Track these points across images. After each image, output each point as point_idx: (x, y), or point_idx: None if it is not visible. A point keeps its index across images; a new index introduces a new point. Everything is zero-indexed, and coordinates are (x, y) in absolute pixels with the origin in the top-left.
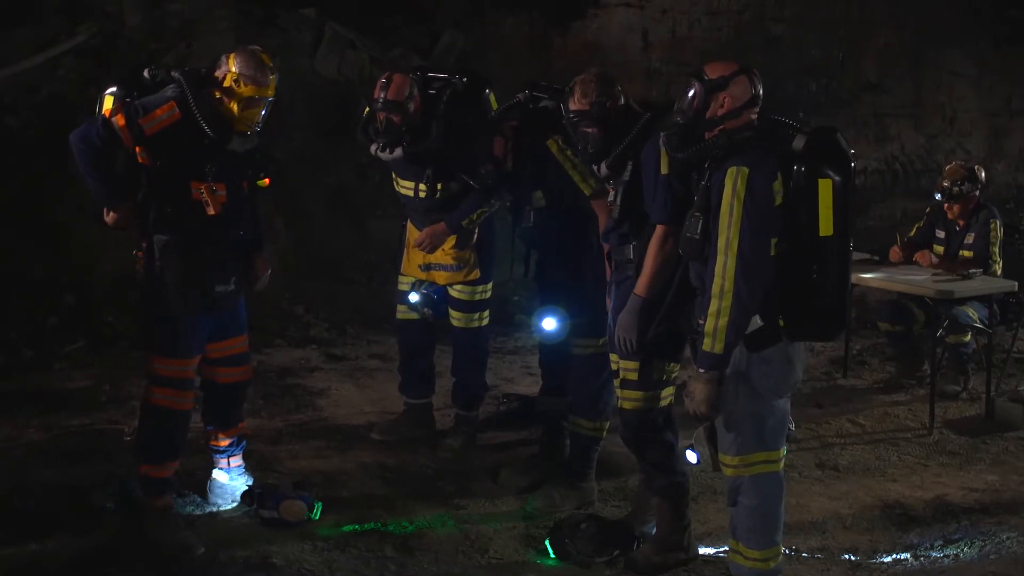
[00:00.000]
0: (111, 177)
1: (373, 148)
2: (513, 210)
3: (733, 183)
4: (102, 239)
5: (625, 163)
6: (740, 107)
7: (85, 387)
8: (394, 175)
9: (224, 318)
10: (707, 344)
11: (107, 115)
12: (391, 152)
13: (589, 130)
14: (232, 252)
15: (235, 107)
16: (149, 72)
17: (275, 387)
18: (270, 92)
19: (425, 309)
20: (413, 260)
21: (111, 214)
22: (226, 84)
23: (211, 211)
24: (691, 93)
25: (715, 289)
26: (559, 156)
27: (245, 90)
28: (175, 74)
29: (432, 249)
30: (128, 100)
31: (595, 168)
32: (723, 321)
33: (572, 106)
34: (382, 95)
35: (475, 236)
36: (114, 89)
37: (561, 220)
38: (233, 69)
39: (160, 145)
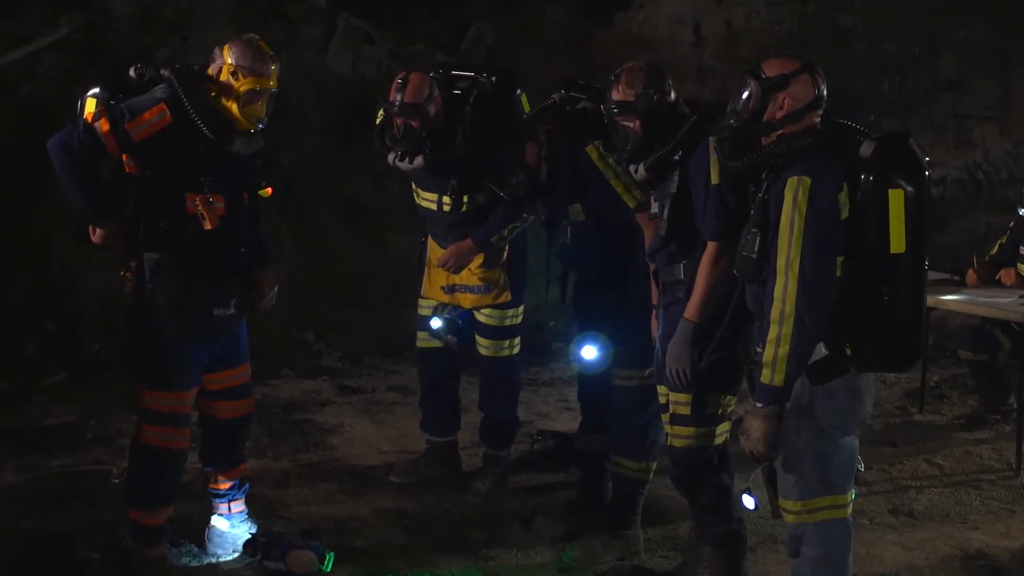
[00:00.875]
0: (95, 189)
1: (391, 157)
2: (548, 225)
3: (794, 195)
4: (86, 257)
5: (666, 168)
6: (801, 109)
7: (68, 424)
8: (414, 186)
9: (224, 345)
10: (766, 376)
11: (89, 119)
12: (411, 162)
13: (630, 125)
14: (232, 271)
15: (234, 104)
16: (135, 71)
17: (281, 423)
18: (272, 83)
19: (449, 336)
20: (435, 281)
21: (96, 230)
22: (222, 78)
23: (208, 225)
24: (746, 93)
25: (774, 314)
26: (599, 163)
27: (244, 83)
28: (165, 72)
29: (457, 269)
30: (113, 103)
31: (632, 170)
32: (783, 350)
33: (614, 96)
34: (398, 97)
35: (505, 254)
36: (97, 90)
37: (602, 236)
38: (229, 61)
39: (150, 152)
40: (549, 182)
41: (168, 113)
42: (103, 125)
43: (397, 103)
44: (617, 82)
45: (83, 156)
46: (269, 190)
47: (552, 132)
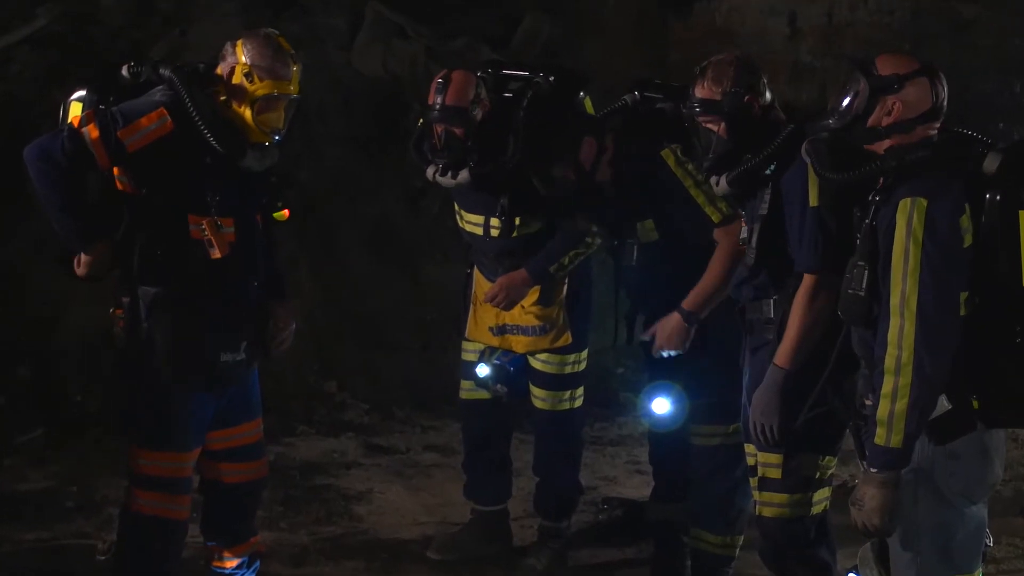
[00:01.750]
0: (81, 208)
1: (430, 171)
2: (615, 252)
3: (907, 219)
4: (68, 290)
5: (753, 183)
6: (913, 119)
7: (45, 489)
8: (457, 207)
9: (232, 397)
10: (880, 436)
11: (75, 124)
12: (453, 176)
13: (713, 128)
14: (243, 308)
15: (247, 111)
16: (129, 69)
17: (299, 489)
18: (293, 88)
19: (498, 386)
20: (482, 321)
21: (81, 258)
22: (235, 81)
23: (216, 253)
24: (851, 89)
25: (889, 363)
26: (677, 170)
27: (260, 86)
28: (164, 71)
29: (508, 305)
30: (102, 107)
31: (713, 182)
32: (901, 405)
33: (698, 92)
34: (439, 100)
35: (565, 288)
36: (83, 93)
37: (677, 261)
38: (243, 60)
39: (146, 166)
40: (615, 191)
41: (168, 119)
42: (91, 131)
43: (437, 106)
44: (702, 76)
45: (67, 168)
46: (286, 212)
47: (622, 136)
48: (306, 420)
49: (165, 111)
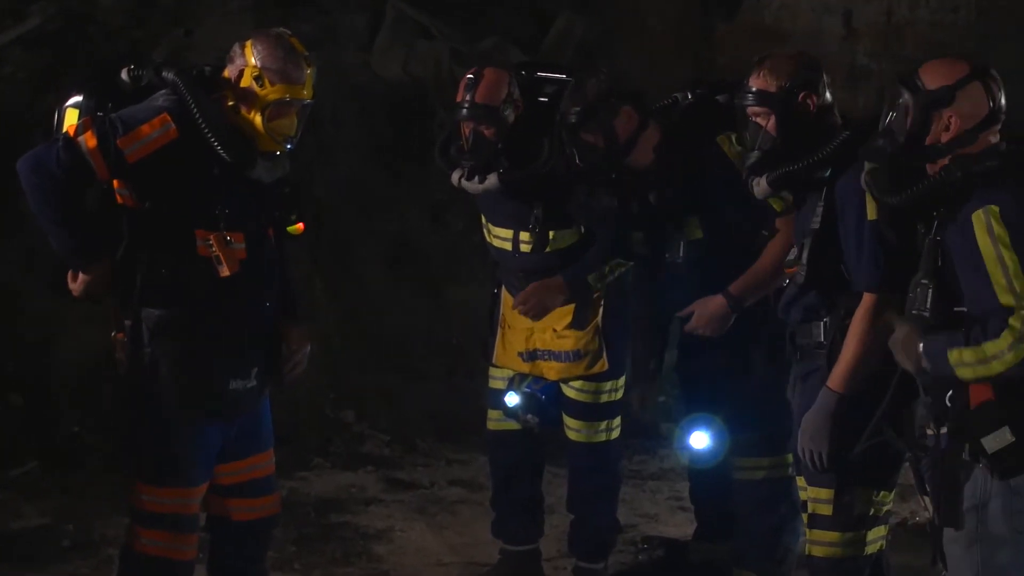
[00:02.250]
0: (79, 223)
1: (455, 176)
2: (655, 262)
3: (987, 228)
4: (63, 311)
5: (796, 188)
6: (973, 128)
7: (39, 527)
8: (484, 220)
9: (242, 427)
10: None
11: (71, 133)
12: (481, 181)
13: (763, 122)
14: (254, 331)
15: (257, 117)
16: (130, 72)
17: (314, 527)
18: (307, 92)
19: (529, 416)
20: (511, 345)
21: (79, 277)
22: (243, 84)
23: (225, 271)
24: (900, 108)
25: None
26: (732, 154)
27: (271, 91)
28: (168, 75)
29: (539, 314)
30: (100, 113)
31: (753, 183)
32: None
33: (752, 82)
34: (468, 97)
35: (600, 309)
36: (79, 98)
37: (726, 263)
38: (252, 62)
39: (149, 177)
40: (659, 181)
41: (172, 126)
42: (89, 140)
43: (466, 104)
44: (760, 67)
45: (64, 180)
46: (301, 226)
47: (672, 126)
48: (321, 452)
49: (168, 117)
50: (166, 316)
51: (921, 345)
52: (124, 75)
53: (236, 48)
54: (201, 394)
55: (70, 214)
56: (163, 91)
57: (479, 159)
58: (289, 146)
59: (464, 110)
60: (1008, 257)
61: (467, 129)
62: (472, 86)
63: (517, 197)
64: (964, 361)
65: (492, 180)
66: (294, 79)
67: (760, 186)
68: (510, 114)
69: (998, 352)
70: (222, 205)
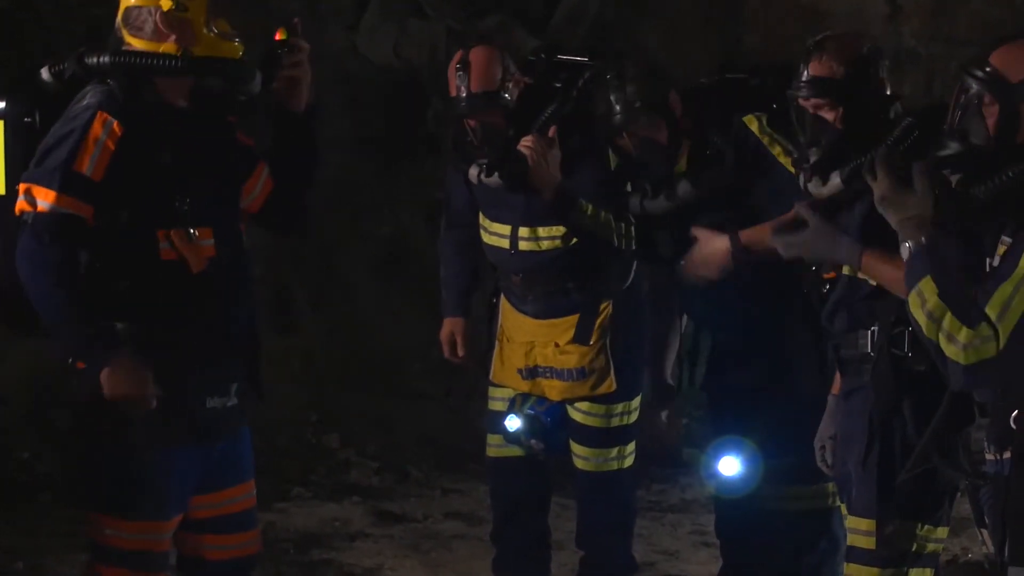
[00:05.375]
0: (85, 305)
1: (473, 172)
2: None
3: None
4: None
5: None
6: None
7: None
8: (482, 217)
9: (221, 454)
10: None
11: (28, 208)
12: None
13: (827, 115)
14: (231, 340)
15: (203, 31)
16: (51, 71)
17: (295, 565)
18: None
19: (532, 441)
20: (509, 361)
21: (107, 376)
22: (167, 19)
23: (193, 269)
24: (974, 103)
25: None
26: (763, 137)
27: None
28: (90, 60)
29: (534, 160)
30: (28, 120)
31: (818, 183)
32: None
33: (813, 69)
34: (462, 89)
35: (606, 321)
36: (1, 104)
37: (758, 270)
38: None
39: (113, 187)
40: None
41: (114, 121)
42: (46, 197)
43: (464, 98)
44: (819, 50)
45: (59, 253)
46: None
47: (698, 115)
48: (303, 482)
49: (106, 114)
50: (128, 329)
51: (911, 244)
52: (44, 75)
53: (132, 11)
54: (173, 415)
55: (76, 294)
56: (92, 85)
57: (494, 152)
58: (238, 40)
59: (463, 104)
60: None
61: (472, 124)
62: (464, 76)
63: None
64: (929, 304)
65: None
66: None
67: (831, 183)
68: (512, 91)
69: (965, 339)
70: (182, 197)
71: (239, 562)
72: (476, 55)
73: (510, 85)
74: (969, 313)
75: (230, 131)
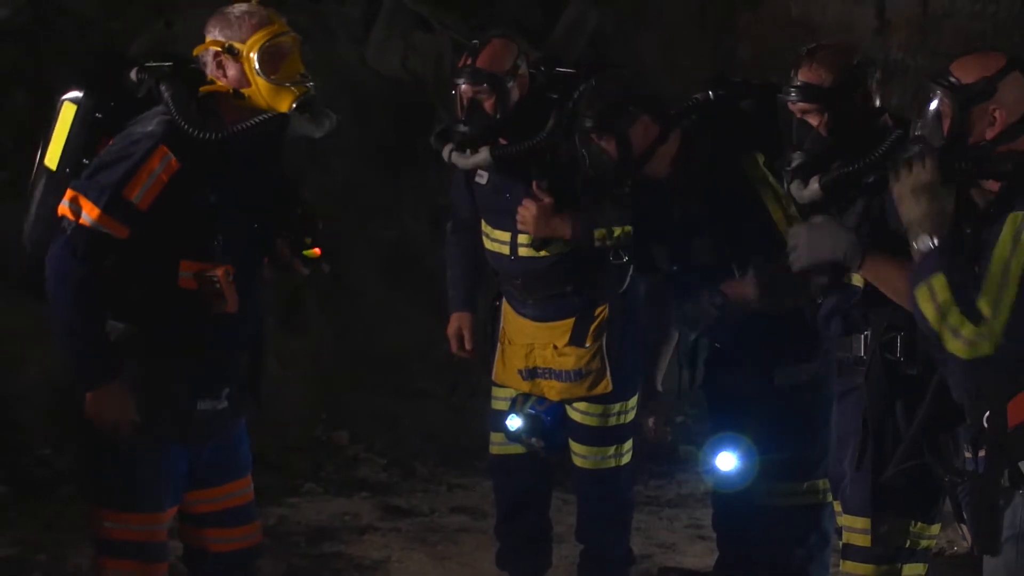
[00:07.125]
0: (102, 329)
1: (446, 151)
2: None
3: (1015, 233)
4: (32, 328)
5: (845, 194)
6: (1020, 121)
7: (7, 558)
8: (484, 224)
9: (214, 454)
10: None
11: (71, 216)
12: (472, 154)
13: (813, 120)
14: (229, 347)
15: (260, 80)
16: (137, 74)
17: (304, 558)
18: (284, 25)
19: (533, 439)
20: (511, 362)
21: (97, 399)
22: (227, 66)
23: (211, 307)
24: (934, 108)
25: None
26: (757, 180)
27: (251, 43)
28: (166, 92)
29: (535, 229)
30: (99, 115)
31: (798, 186)
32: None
33: (802, 75)
34: (469, 61)
35: (603, 322)
36: (78, 94)
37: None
38: (217, 38)
39: (155, 218)
40: (676, 195)
41: (172, 157)
42: (91, 212)
43: (468, 68)
44: (809, 59)
45: (88, 270)
46: (317, 251)
47: (692, 134)
48: (313, 477)
49: (166, 148)
50: (127, 331)
51: (931, 239)
52: (133, 75)
53: (202, 56)
54: (164, 414)
55: (89, 316)
56: (158, 109)
57: (473, 128)
58: (311, 83)
59: (465, 74)
60: (1017, 268)
61: (465, 96)
62: (475, 51)
63: (520, 180)
64: (939, 298)
65: (483, 155)
66: (263, 22)
67: (810, 188)
68: (514, 87)
69: (969, 335)
70: (216, 236)
71: (242, 554)
72: (497, 40)
73: (514, 81)
74: (975, 310)
75: (277, 168)
